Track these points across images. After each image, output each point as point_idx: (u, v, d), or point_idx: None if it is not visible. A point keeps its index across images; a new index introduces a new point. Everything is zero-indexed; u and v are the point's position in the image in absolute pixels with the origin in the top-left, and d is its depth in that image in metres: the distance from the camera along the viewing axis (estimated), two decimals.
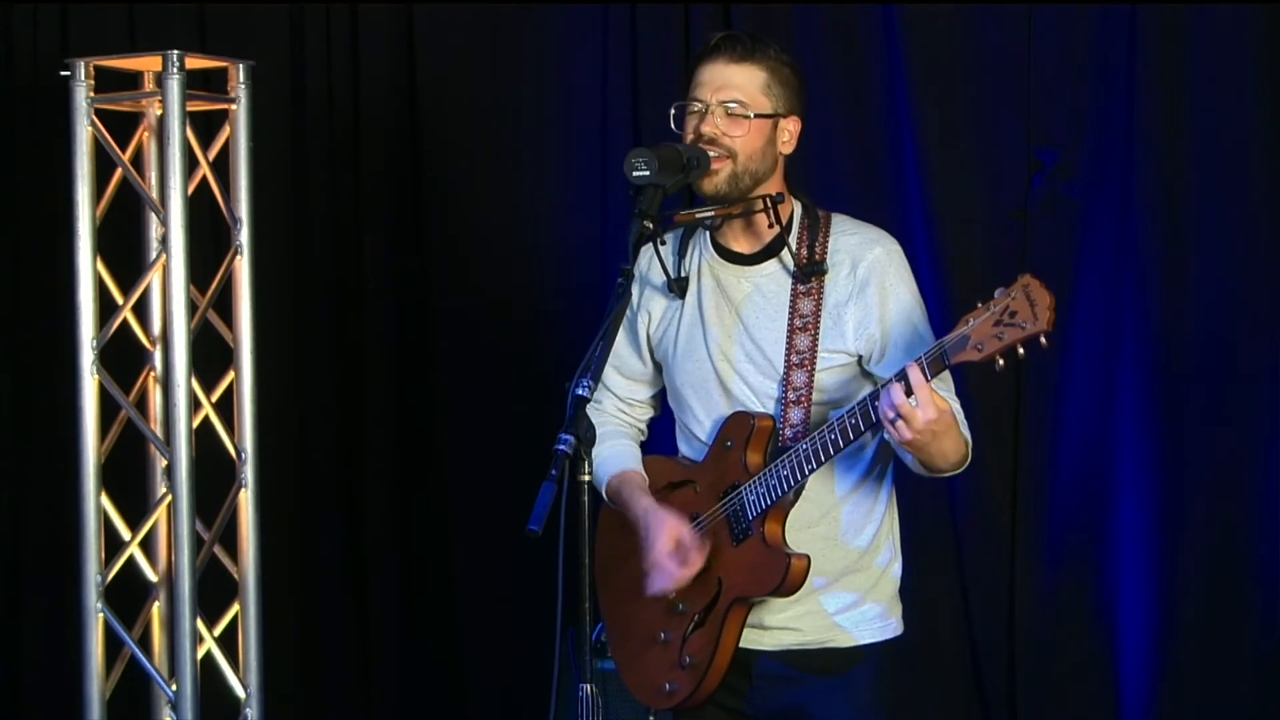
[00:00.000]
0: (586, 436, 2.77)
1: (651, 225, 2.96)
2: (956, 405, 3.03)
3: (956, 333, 2.82)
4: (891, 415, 2.85)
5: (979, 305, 2.81)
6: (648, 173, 2.96)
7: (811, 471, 3.00)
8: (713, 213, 3.09)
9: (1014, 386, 4.48)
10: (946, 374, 3.00)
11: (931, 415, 2.84)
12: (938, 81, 4.53)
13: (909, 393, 2.84)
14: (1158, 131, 4.36)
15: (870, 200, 4.51)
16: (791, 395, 3.08)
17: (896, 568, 3.22)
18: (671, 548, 3.08)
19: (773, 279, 3.14)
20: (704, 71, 3.11)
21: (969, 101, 4.53)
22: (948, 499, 4.54)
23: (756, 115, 3.08)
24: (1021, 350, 2.78)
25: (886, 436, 2.96)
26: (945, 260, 4.48)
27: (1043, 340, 2.78)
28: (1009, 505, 4.51)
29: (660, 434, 3.38)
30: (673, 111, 3.14)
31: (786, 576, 3.02)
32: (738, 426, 3.12)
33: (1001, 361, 2.80)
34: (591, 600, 2.84)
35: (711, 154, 3.06)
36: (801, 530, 3.08)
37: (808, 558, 3.03)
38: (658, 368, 3.31)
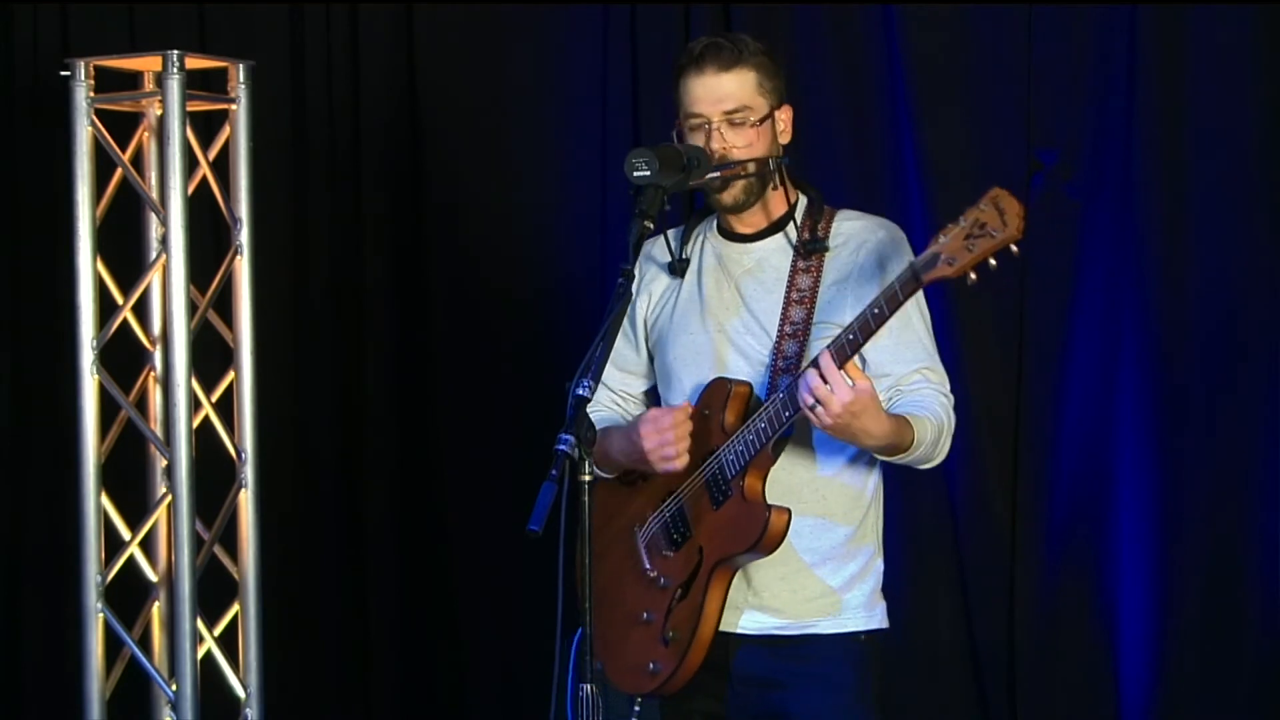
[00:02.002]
0: (587, 436, 2.77)
1: (652, 225, 2.98)
2: (916, 401, 3.05)
3: (927, 252, 2.83)
4: (810, 401, 2.87)
5: (948, 224, 2.81)
6: (648, 173, 2.97)
7: (790, 418, 2.97)
8: (718, 174, 3.10)
9: (1014, 386, 4.48)
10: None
11: (847, 398, 2.85)
12: (938, 81, 4.53)
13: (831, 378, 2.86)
14: (1158, 131, 4.36)
15: (869, 200, 4.48)
16: (781, 363, 3.09)
17: (880, 562, 3.22)
18: (653, 431, 3.07)
19: (774, 254, 3.17)
20: (696, 85, 3.11)
21: (969, 101, 4.52)
22: (948, 499, 4.54)
23: (759, 121, 3.09)
24: (993, 261, 2.78)
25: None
26: None
27: (1013, 248, 2.78)
28: (1009, 505, 4.50)
29: None
30: (674, 133, 3.15)
31: (766, 529, 3.00)
32: (715, 393, 3.12)
33: (974, 276, 2.80)
34: (591, 600, 2.84)
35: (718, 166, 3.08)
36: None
37: (789, 511, 3.01)
38: (652, 360, 3.31)
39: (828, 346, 2.89)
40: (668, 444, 3.06)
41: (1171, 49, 4.36)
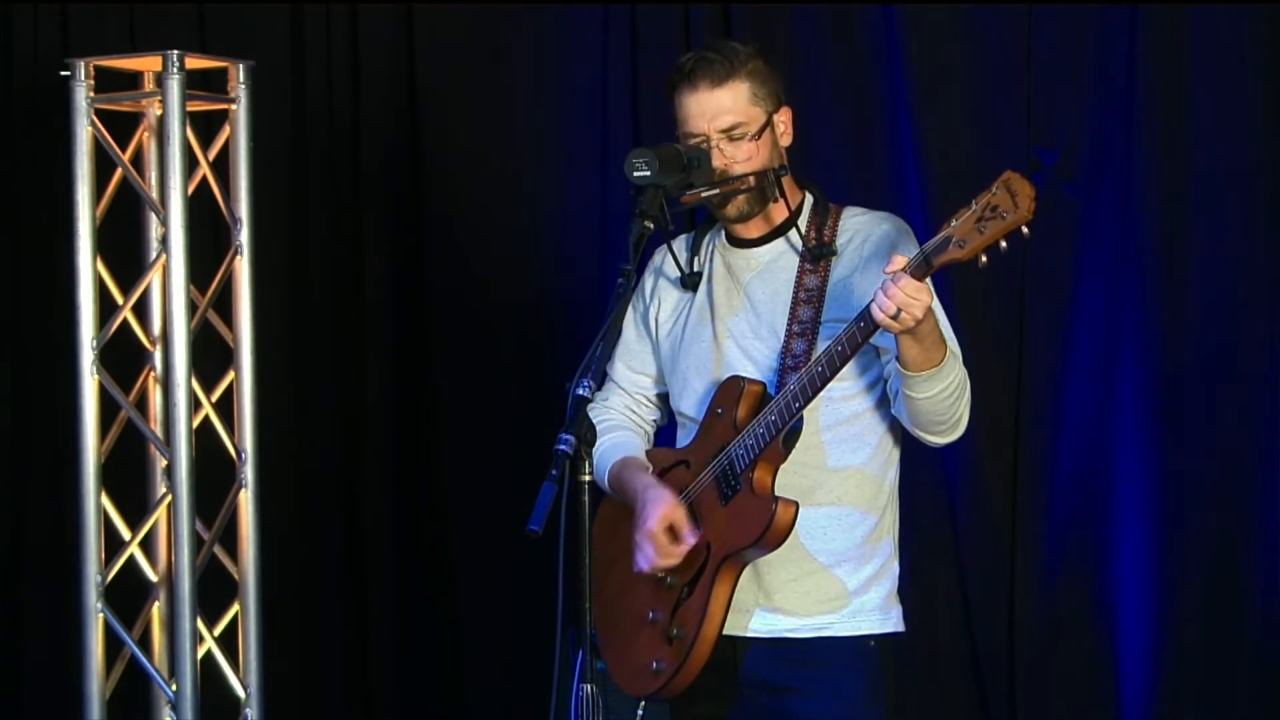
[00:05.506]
0: (587, 436, 2.77)
1: (652, 225, 2.97)
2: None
3: (938, 236, 2.83)
4: (893, 310, 2.83)
5: (960, 209, 2.81)
6: (648, 173, 2.97)
7: (800, 409, 2.97)
8: (718, 190, 3.10)
9: (1014, 387, 4.48)
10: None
11: (927, 299, 2.84)
12: (938, 81, 4.53)
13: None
14: (1158, 132, 4.36)
15: (870, 199, 4.46)
16: (790, 362, 3.08)
17: (896, 565, 3.21)
18: (662, 527, 3.06)
19: (781, 256, 3.17)
20: (690, 103, 3.10)
21: (969, 101, 4.53)
22: (948, 499, 4.54)
23: (757, 133, 3.09)
24: (1004, 244, 2.78)
25: (879, 339, 2.96)
26: None
27: (1024, 230, 2.79)
28: (1009, 505, 4.50)
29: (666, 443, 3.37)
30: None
31: (772, 521, 2.97)
32: (728, 392, 3.11)
33: (985, 258, 2.80)
34: (592, 600, 2.83)
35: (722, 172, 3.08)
36: (803, 509, 3.04)
37: (796, 504, 2.99)
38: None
39: (904, 266, 2.85)
40: (660, 554, 3.06)
41: (1171, 49, 4.36)
